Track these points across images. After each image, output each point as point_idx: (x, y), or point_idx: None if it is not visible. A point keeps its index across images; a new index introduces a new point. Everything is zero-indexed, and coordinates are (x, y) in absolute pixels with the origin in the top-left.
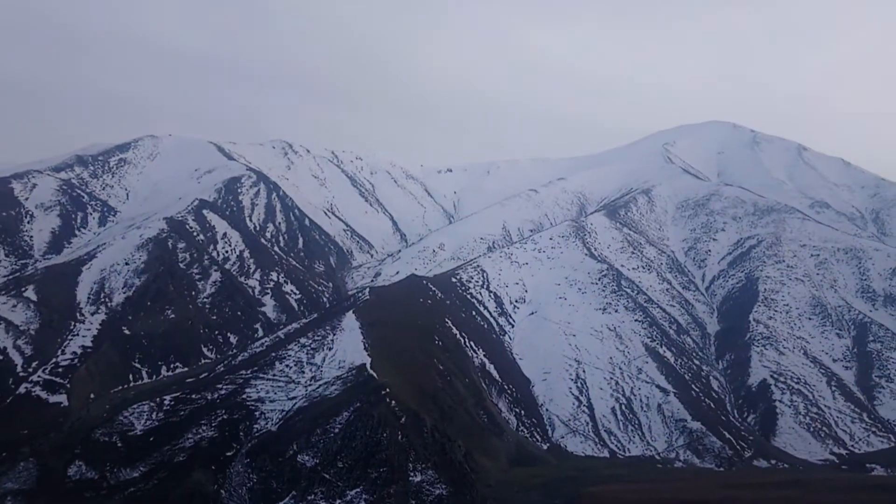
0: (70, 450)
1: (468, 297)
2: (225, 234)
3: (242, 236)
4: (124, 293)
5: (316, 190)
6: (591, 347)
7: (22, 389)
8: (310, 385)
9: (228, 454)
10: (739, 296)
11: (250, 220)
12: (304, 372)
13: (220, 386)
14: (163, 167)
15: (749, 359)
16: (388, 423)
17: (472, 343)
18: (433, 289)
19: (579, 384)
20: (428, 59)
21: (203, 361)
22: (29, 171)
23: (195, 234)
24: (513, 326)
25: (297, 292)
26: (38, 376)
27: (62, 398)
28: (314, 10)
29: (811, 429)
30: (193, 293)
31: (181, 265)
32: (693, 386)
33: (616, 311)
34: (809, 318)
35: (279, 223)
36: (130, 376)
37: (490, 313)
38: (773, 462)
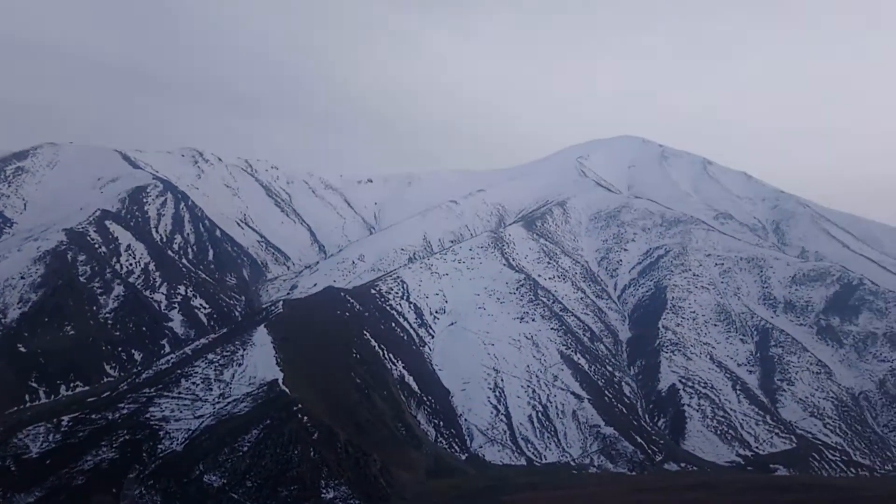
0: None
1: (388, 308)
2: (129, 245)
3: (148, 248)
4: (20, 308)
5: (228, 200)
6: (509, 356)
7: None
8: (218, 403)
9: (130, 476)
10: (649, 303)
11: (156, 232)
12: (211, 389)
13: (122, 405)
14: (63, 176)
15: (659, 364)
16: (299, 440)
17: (391, 355)
18: (351, 301)
19: (497, 393)
20: (348, 70)
21: (106, 380)
22: None
23: (97, 246)
24: (433, 337)
25: (207, 306)
26: None
27: None
28: (229, 20)
29: (718, 431)
30: (95, 308)
31: (81, 279)
32: (606, 392)
33: (533, 319)
34: (715, 325)
35: (188, 234)
36: (27, 396)
37: (410, 325)
38: (682, 465)
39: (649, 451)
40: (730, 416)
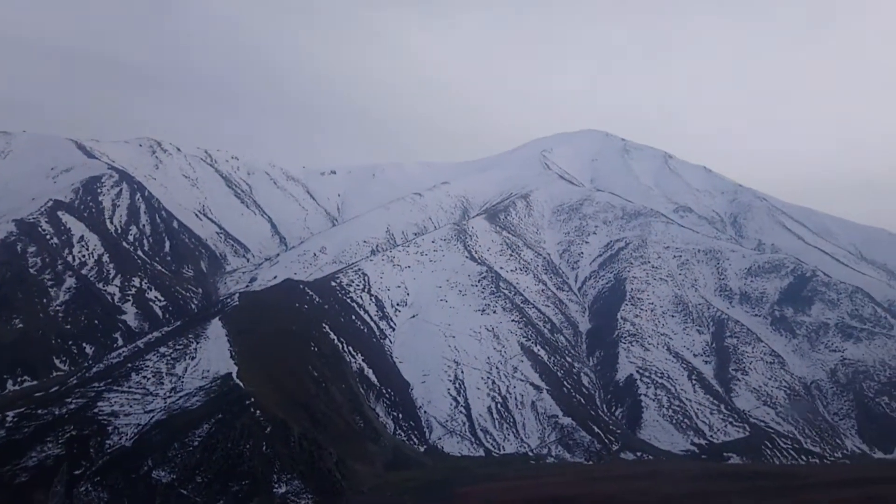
0: None
1: (348, 301)
2: (82, 236)
3: (102, 239)
4: None
5: (187, 190)
6: (470, 348)
7: None
8: (169, 397)
9: (77, 472)
10: (609, 295)
11: (111, 223)
12: (163, 383)
13: (69, 400)
14: (15, 166)
15: (617, 355)
16: (251, 434)
17: (350, 348)
18: (310, 293)
19: (457, 385)
20: (311, 62)
21: (55, 374)
22: None
23: (48, 237)
24: (394, 330)
25: (163, 299)
26: None
27: None
28: (196, 7)
29: (673, 421)
30: (45, 301)
31: (31, 270)
32: (565, 383)
33: (494, 311)
34: (672, 316)
35: (143, 225)
36: None
37: (371, 317)
38: (638, 454)
39: (606, 440)
40: (685, 406)
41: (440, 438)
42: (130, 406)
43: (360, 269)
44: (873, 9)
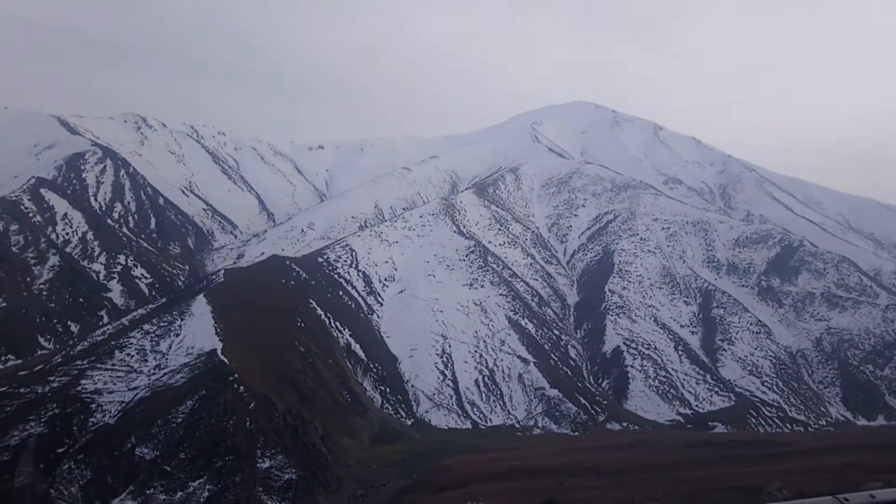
0: None
1: (335, 277)
2: (66, 214)
3: (86, 217)
4: None
5: (173, 167)
6: (457, 322)
7: None
8: (153, 374)
9: (59, 451)
10: (597, 268)
11: (95, 200)
12: (147, 360)
13: (52, 378)
14: None
15: (604, 327)
16: (235, 410)
17: (337, 324)
18: (297, 269)
19: (445, 359)
20: (305, 34)
21: (39, 353)
22: None
23: (31, 215)
24: (381, 305)
25: (149, 276)
26: None
27: None
28: None
29: (659, 391)
30: (28, 279)
31: (14, 249)
32: (552, 355)
33: (482, 286)
34: (660, 288)
35: (128, 202)
36: None
37: (358, 293)
38: (624, 424)
39: (592, 411)
40: (671, 376)
41: (427, 412)
42: (114, 383)
43: (347, 245)
44: None
